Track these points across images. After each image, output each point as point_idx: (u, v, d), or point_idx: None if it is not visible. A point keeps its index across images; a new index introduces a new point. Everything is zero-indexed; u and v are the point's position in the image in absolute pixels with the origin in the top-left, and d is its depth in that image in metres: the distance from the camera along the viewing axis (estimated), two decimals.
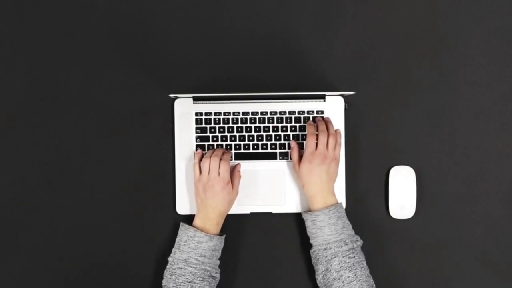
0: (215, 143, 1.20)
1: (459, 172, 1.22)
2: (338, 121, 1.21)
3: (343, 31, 1.23)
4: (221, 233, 1.16)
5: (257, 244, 1.22)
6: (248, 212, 1.21)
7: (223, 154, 1.16)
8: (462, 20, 1.23)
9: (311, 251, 1.14)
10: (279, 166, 1.21)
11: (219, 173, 1.13)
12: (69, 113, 1.22)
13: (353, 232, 1.13)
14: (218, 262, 1.14)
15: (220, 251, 1.14)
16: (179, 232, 1.14)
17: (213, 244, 1.12)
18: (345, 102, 1.21)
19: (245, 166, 1.20)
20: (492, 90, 1.23)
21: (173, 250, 1.13)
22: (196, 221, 1.15)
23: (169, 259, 1.13)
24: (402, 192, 1.21)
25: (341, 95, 1.21)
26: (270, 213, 1.21)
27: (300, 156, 1.17)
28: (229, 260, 1.20)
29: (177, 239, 1.14)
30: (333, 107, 1.21)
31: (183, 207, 1.21)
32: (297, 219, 1.20)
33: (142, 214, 1.22)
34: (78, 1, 1.23)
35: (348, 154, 1.22)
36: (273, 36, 1.23)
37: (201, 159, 1.17)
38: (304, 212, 1.16)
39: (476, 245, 1.22)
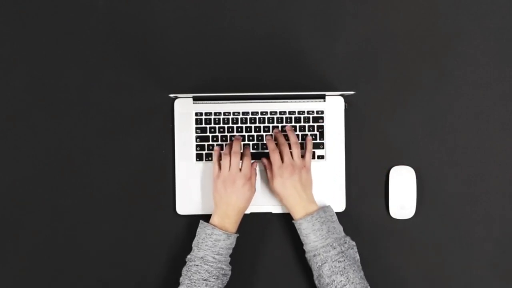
0: (214, 143, 1.20)
1: (459, 172, 1.22)
2: (338, 121, 1.21)
3: (343, 31, 1.23)
4: None
5: (257, 244, 1.22)
6: (248, 212, 1.21)
7: (242, 149, 1.16)
8: (462, 20, 1.23)
9: (305, 256, 1.14)
10: None
11: (240, 169, 1.13)
12: (69, 113, 1.22)
13: (341, 235, 1.11)
14: (229, 259, 1.14)
15: (232, 249, 1.14)
16: (198, 229, 1.13)
17: (230, 242, 1.12)
18: (345, 102, 1.21)
19: None
20: (492, 90, 1.23)
21: (192, 247, 1.13)
22: (214, 219, 1.14)
23: (188, 256, 1.12)
24: (402, 192, 1.21)
25: (341, 95, 1.21)
26: (270, 213, 1.21)
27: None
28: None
29: (196, 237, 1.13)
30: (333, 107, 1.21)
31: (183, 207, 1.21)
32: None
33: (142, 214, 1.22)
34: (78, 1, 1.23)
35: (348, 154, 1.22)
36: (273, 36, 1.23)
37: (219, 155, 1.17)
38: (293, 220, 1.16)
39: (476, 245, 1.22)
